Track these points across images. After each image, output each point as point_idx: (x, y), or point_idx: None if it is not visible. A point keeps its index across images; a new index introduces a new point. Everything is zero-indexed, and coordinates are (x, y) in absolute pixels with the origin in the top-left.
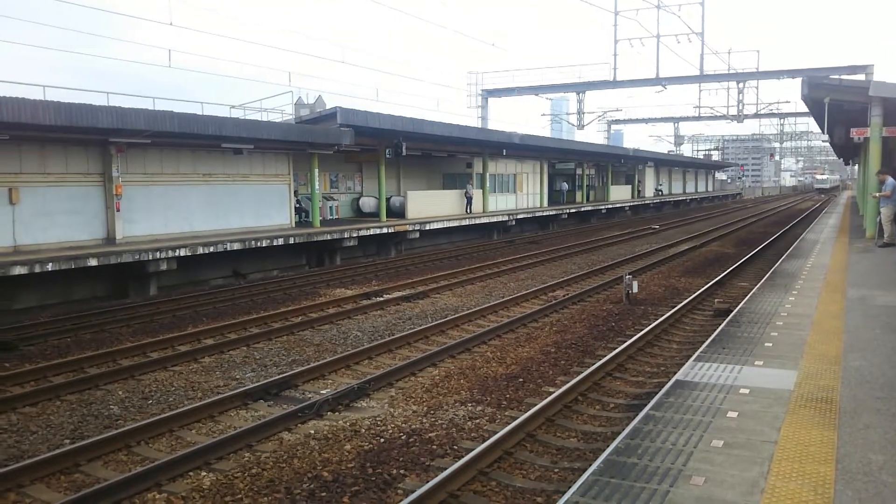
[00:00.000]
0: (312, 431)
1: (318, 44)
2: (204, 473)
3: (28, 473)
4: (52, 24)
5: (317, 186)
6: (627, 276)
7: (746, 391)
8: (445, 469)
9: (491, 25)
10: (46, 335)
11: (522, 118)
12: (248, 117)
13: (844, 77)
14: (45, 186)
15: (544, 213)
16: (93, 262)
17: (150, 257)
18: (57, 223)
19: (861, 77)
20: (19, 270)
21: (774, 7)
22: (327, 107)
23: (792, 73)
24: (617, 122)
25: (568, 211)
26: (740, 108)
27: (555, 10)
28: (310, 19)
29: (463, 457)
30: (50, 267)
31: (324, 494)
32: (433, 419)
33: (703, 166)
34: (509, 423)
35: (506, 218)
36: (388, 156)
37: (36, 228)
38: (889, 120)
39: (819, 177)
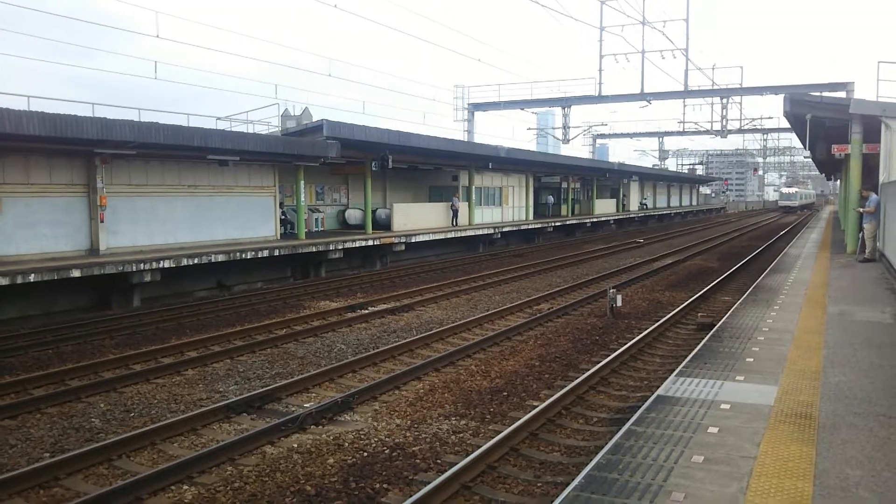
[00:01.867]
0: (296, 445)
1: (304, 56)
2: (186, 487)
3: (6, 488)
4: (37, 34)
5: (302, 198)
6: (611, 290)
7: (727, 406)
8: (428, 483)
9: (477, 41)
10: (27, 347)
11: (508, 132)
12: (234, 129)
13: (826, 94)
14: (29, 197)
15: (530, 227)
16: (76, 274)
17: (134, 269)
18: (40, 234)
19: (842, 94)
20: (0, 281)
21: (758, 25)
22: (314, 119)
23: (775, 90)
24: (602, 136)
25: (553, 224)
26: (724, 123)
27: (541, 25)
28: (297, 33)
29: (446, 471)
30: (32, 278)
31: None
32: (417, 433)
33: (688, 181)
34: (493, 438)
35: (491, 231)
36: (374, 168)
37: (18, 239)
38: (869, 137)
39: (785, 190)
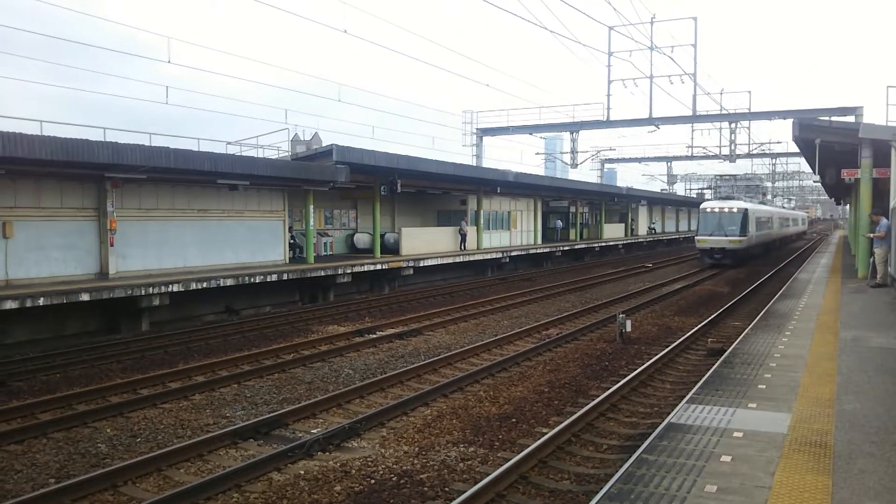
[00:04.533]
0: (302, 472)
1: (315, 82)
2: None
3: None
4: (51, 60)
5: (311, 223)
6: (621, 315)
7: (740, 434)
8: None
9: (486, 66)
10: (36, 371)
11: (517, 156)
12: (244, 153)
13: (834, 119)
14: (40, 221)
15: (538, 251)
16: (85, 297)
17: (143, 292)
18: (50, 258)
19: (851, 119)
20: (10, 305)
21: (766, 49)
22: (323, 144)
23: (783, 115)
24: (610, 160)
25: (562, 249)
26: (732, 147)
27: (550, 50)
28: (307, 58)
29: (454, 499)
30: (41, 302)
31: None
32: (425, 460)
33: (696, 205)
34: (502, 465)
35: (500, 255)
36: (383, 193)
37: (29, 263)
38: (879, 161)
39: (714, 204)
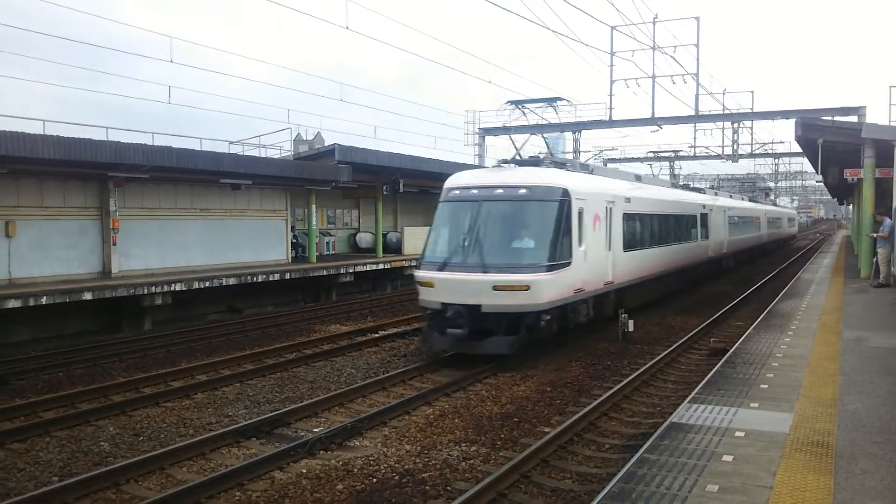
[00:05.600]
0: (304, 471)
1: (317, 82)
2: None
3: None
4: (53, 59)
5: (314, 222)
6: (623, 315)
7: (742, 434)
8: None
9: (488, 63)
10: (38, 370)
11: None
12: (246, 153)
13: (837, 118)
14: (43, 220)
15: None
16: (87, 296)
17: (145, 292)
18: (53, 257)
19: (854, 118)
20: (13, 304)
21: (769, 49)
22: (326, 143)
23: (786, 114)
24: (613, 160)
25: None
26: (735, 147)
27: (552, 50)
28: (309, 57)
29: (456, 498)
30: (44, 301)
31: None
32: (427, 459)
33: None
34: (504, 464)
35: None
36: (385, 192)
37: (31, 262)
38: (882, 161)
39: (464, 180)
